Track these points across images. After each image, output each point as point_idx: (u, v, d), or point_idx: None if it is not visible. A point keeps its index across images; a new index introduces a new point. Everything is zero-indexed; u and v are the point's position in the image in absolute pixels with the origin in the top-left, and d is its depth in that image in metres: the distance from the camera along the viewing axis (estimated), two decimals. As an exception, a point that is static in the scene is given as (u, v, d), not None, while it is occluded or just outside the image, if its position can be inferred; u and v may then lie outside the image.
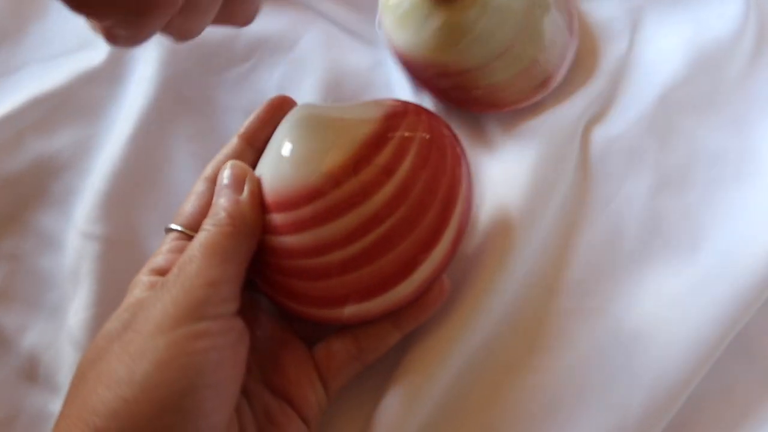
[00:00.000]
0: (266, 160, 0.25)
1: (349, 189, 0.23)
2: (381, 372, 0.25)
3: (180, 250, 0.24)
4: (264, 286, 0.25)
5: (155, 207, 0.30)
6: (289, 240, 0.24)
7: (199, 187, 0.26)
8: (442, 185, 0.24)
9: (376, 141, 0.24)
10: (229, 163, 0.25)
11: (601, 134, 0.29)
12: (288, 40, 0.32)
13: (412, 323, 0.25)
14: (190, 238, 0.24)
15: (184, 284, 0.21)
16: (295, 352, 0.25)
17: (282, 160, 0.24)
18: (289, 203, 0.23)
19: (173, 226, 0.25)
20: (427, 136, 0.25)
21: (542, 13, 0.28)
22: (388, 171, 0.23)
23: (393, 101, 0.26)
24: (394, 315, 0.24)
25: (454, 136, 0.27)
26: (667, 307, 0.25)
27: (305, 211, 0.23)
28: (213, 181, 0.25)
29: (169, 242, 0.25)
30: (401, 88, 0.31)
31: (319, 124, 0.24)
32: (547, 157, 0.28)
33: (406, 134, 0.24)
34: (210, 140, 0.30)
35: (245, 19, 0.23)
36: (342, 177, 0.23)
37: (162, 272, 0.24)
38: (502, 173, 0.28)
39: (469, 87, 0.28)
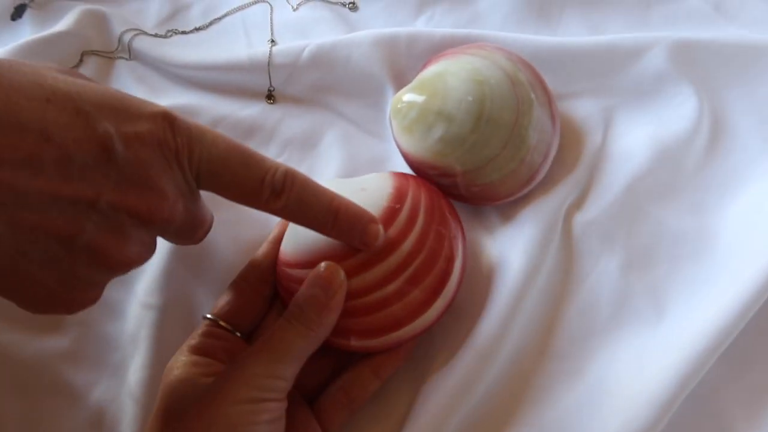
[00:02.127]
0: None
1: (365, 254, 0.29)
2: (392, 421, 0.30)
3: (213, 336, 0.28)
4: None
5: (203, 283, 0.34)
6: None
7: (234, 285, 0.31)
8: (442, 251, 0.30)
9: (390, 212, 0.30)
10: (328, 264, 0.28)
11: (579, 219, 0.34)
12: (313, 138, 0.38)
13: (389, 370, 0.30)
14: (221, 326, 0.29)
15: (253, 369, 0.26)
16: (302, 411, 0.29)
17: None
18: (316, 262, 0.29)
19: (208, 315, 0.30)
20: (429, 206, 0.31)
21: (528, 122, 0.33)
22: (402, 237, 0.29)
23: (395, 175, 0.32)
24: (374, 365, 0.30)
25: (449, 202, 0.32)
26: (633, 368, 0.30)
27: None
28: (245, 279, 0.30)
29: (203, 327, 0.29)
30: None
31: (346, 190, 0.29)
32: (536, 240, 0.32)
33: (413, 203, 0.30)
34: (248, 227, 0.35)
35: (192, 243, 0.29)
36: (352, 251, 0.29)
37: (197, 352, 0.28)
38: (500, 254, 0.33)
39: (467, 185, 0.33)
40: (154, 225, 0.24)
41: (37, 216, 0.21)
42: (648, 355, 0.30)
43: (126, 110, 0.23)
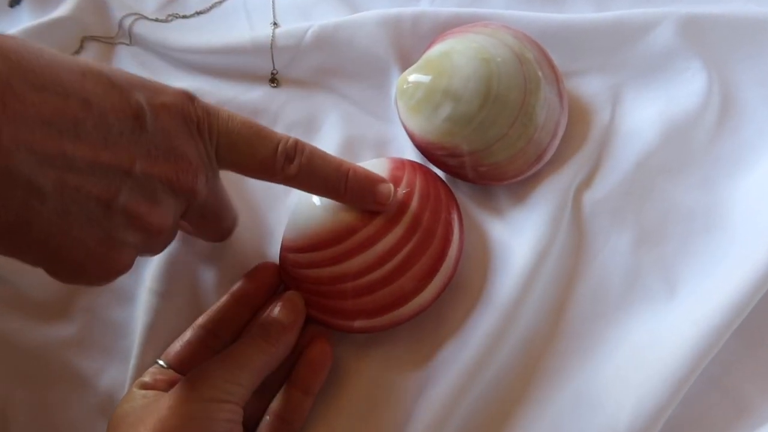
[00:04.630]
0: (299, 209, 0.32)
1: (362, 234, 0.30)
2: (403, 402, 0.30)
3: (162, 374, 0.30)
4: None
5: (206, 271, 0.34)
6: (316, 272, 0.30)
7: (188, 333, 0.31)
8: (437, 231, 0.30)
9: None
10: (291, 293, 0.31)
11: (589, 197, 0.33)
12: (318, 120, 0.38)
13: (317, 385, 0.30)
14: (167, 371, 0.30)
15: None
16: None
17: (313, 208, 0.31)
18: (316, 245, 0.30)
19: (160, 361, 0.30)
20: (424, 190, 0.31)
21: (536, 100, 0.32)
22: (395, 220, 0.30)
23: (391, 160, 0.32)
24: (301, 384, 0.30)
25: (443, 182, 0.33)
26: (646, 346, 0.30)
27: (328, 252, 0.30)
28: (204, 328, 0.31)
29: (154, 370, 0.30)
30: (414, 158, 0.36)
31: None
32: (545, 220, 0.32)
33: (406, 190, 0.31)
34: (249, 220, 0.35)
35: (219, 237, 0.31)
36: (357, 226, 0.30)
37: (146, 387, 0.29)
38: (509, 234, 0.33)
39: (474, 165, 0.33)
40: (181, 192, 0.26)
41: (79, 178, 0.23)
42: (660, 331, 0.30)
43: (152, 86, 0.26)
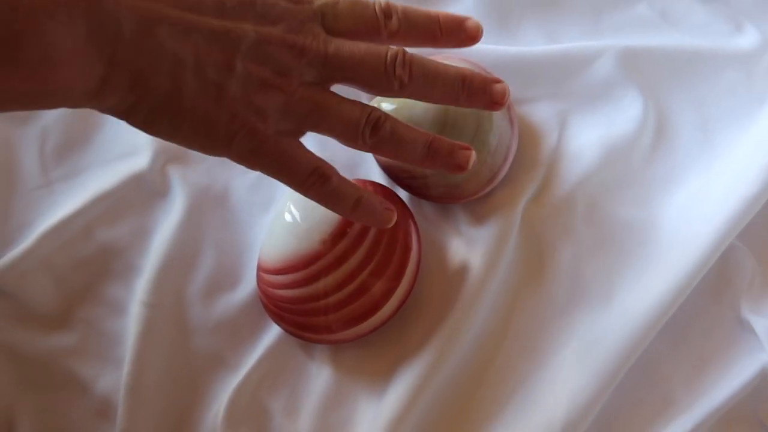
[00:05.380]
0: (274, 230, 0.35)
1: (331, 256, 0.33)
2: (371, 399, 0.34)
3: None
4: (275, 319, 0.36)
5: (194, 283, 0.37)
6: (289, 292, 0.34)
7: None
8: (396, 247, 0.34)
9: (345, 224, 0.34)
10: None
11: (536, 214, 0.37)
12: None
13: None
14: None
15: None
16: None
17: (283, 233, 0.34)
18: (290, 268, 0.34)
19: None
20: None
21: (488, 127, 0.36)
22: (358, 242, 0.33)
23: (357, 182, 0.36)
24: None
25: (401, 200, 0.36)
26: (585, 346, 0.33)
27: (300, 274, 0.33)
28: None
29: None
30: (381, 180, 0.39)
31: (307, 206, 0.34)
32: (498, 234, 0.36)
33: None
34: (235, 231, 0.39)
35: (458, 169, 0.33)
36: (324, 250, 0.33)
37: None
38: (466, 248, 0.36)
39: (433, 186, 0.36)
40: (297, 52, 0.29)
41: (206, 46, 0.27)
42: (597, 333, 0.34)
43: None
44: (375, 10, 0.31)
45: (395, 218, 0.32)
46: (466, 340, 0.35)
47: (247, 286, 0.38)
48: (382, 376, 0.34)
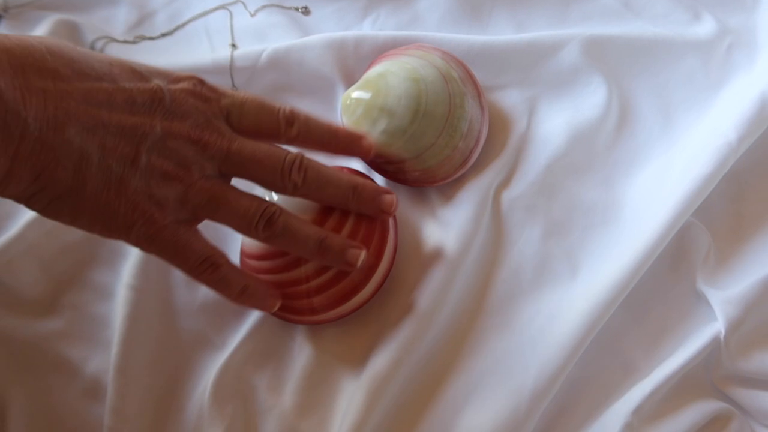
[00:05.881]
0: None
1: None
2: (351, 376, 0.36)
3: None
4: None
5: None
6: (272, 277, 0.35)
7: None
8: (375, 231, 0.35)
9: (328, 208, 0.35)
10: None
11: (506, 195, 0.39)
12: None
13: None
14: None
15: None
16: None
17: None
18: (272, 254, 0.35)
19: None
20: None
21: (460, 114, 0.38)
22: (338, 227, 0.35)
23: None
24: None
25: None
26: (550, 319, 0.35)
27: (282, 261, 0.35)
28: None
29: None
30: (357, 167, 0.41)
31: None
32: (470, 215, 0.37)
33: None
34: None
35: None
36: None
37: None
38: (440, 230, 0.38)
39: (408, 171, 0.38)
40: (201, 146, 0.31)
41: (114, 140, 0.29)
42: (562, 307, 0.36)
43: (167, 73, 0.32)
44: (278, 116, 0.33)
45: (278, 304, 0.35)
46: (441, 317, 0.36)
47: (230, 269, 0.39)
48: (361, 353, 0.36)
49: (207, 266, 0.32)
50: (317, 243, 0.33)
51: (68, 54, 0.29)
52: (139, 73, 0.31)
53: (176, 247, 0.32)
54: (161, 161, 0.30)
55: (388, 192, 0.35)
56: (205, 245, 0.33)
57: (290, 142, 0.34)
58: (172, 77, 0.32)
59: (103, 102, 0.29)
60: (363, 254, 0.34)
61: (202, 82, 0.33)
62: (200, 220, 0.33)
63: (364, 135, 0.36)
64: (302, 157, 0.33)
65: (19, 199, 0.29)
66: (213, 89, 0.33)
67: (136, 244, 0.31)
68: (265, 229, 0.32)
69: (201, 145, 0.31)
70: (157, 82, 0.31)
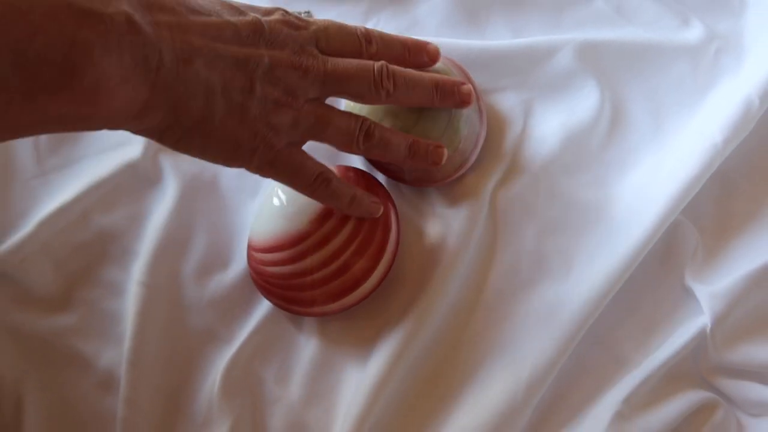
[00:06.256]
0: (263, 213, 0.38)
1: (317, 236, 0.36)
2: (355, 366, 0.37)
3: None
4: (265, 294, 0.38)
5: (187, 264, 0.40)
6: (278, 269, 0.36)
7: None
8: (378, 228, 0.37)
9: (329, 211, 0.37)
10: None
11: (503, 195, 0.40)
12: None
13: None
14: None
15: None
16: None
17: (272, 215, 0.37)
18: (278, 247, 0.36)
19: None
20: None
21: (459, 116, 0.39)
22: (342, 222, 0.37)
23: (338, 168, 0.39)
24: None
25: (381, 185, 0.39)
26: (546, 314, 0.37)
27: (288, 252, 0.36)
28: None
29: None
30: (360, 166, 0.42)
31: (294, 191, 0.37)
32: (468, 215, 0.39)
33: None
34: (228, 214, 0.41)
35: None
36: (312, 230, 0.36)
37: None
38: (440, 227, 0.39)
39: (411, 170, 0.39)
40: (305, 71, 0.33)
41: (231, 73, 0.31)
42: (557, 302, 0.37)
43: (260, 8, 0.34)
44: (358, 35, 0.36)
45: (381, 210, 0.38)
46: (441, 311, 0.38)
47: (238, 265, 0.40)
48: (365, 345, 0.38)
49: (321, 181, 0.35)
50: (407, 147, 0.37)
51: None
52: (236, 8, 0.33)
53: (293, 168, 0.34)
54: (272, 89, 0.32)
55: (463, 83, 0.39)
56: (316, 163, 0.35)
57: (371, 57, 0.36)
58: (262, 10, 0.34)
59: (216, 35, 0.31)
60: (446, 152, 0.38)
61: (288, 12, 0.35)
62: (305, 141, 0.35)
63: (428, 42, 0.39)
64: (388, 66, 0.36)
65: (153, 134, 0.31)
66: (299, 18, 0.35)
67: (257, 169, 0.34)
68: (365, 141, 0.36)
69: (302, 71, 0.33)
70: (253, 14, 0.33)
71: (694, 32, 0.44)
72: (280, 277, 0.37)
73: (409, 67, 0.38)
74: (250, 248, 0.39)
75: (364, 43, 0.36)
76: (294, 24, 0.34)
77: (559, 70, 0.43)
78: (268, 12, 0.34)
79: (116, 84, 0.27)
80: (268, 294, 0.38)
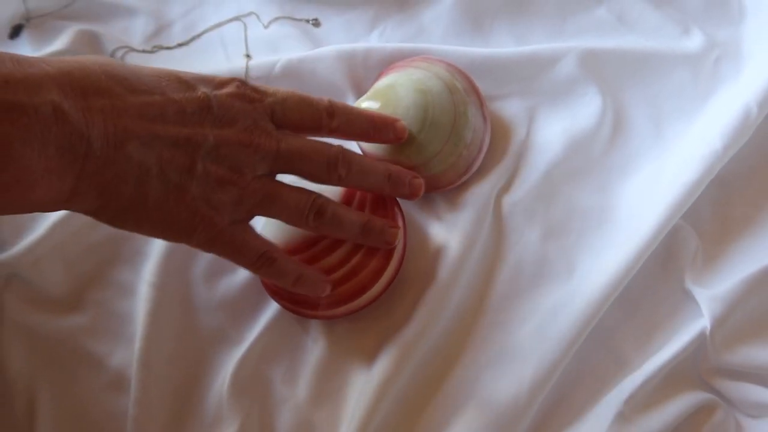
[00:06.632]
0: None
1: (326, 242, 0.37)
2: (362, 368, 0.38)
3: None
4: (274, 297, 0.39)
5: (196, 265, 0.41)
6: None
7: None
8: None
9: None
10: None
11: (507, 200, 0.41)
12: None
13: None
14: None
15: None
16: None
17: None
18: (292, 251, 0.37)
19: None
20: (373, 201, 0.39)
21: (464, 123, 0.40)
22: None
23: None
24: None
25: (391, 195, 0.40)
26: (549, 316, 0.38)
27: (297, 257, 0.37)
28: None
29: None
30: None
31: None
32: (473, 219, 0.40)
33: (360, 196, 0.39)
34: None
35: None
36: (321, 236, 0.37)
37: None
38: (445, 232, 0.40)
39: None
40: (253, 149, 0.32)
41: (170, 152, 0.30)
42: (559, 305, 0.38)
43: (211, 79, 0.33)
44: (320, 109, 0.36)
45: (329, 288, 0.37)
46: (446, 314, 0.39)
47: (246, 267, 0.41)
48: (371, 347, 0.38)
49: (264, 260, 0.35)
50: (361, 227, 0.36)
51: (120, 72, 0.30)
52: (186, 82, 0.32)
53: (235, 247, 0.34)
54: (216, 168, 0.32)
55: (416, 177, 0.38)
56: (261, 241, 0.35)
57: (331, 133, 0.36)
58: (215, 82, 0.33)
59: (156, 116, 0.30)
60: (400, 233, 0.38)
61: (244, 83, 0.34)
62: (253, 217, 0.35)
63: (396, 119, 0.38)
64: (344, 151, 0.36)
65: (85, 213, 0.31)
66: (256, 89, 0.34)
67: (197, 246, 0.34)
68: (316, 219, 0.35)
69: (252, 148, 0.33)
70: (203, 89, 0.32)
71: (694, 41, 0.45)
72: None
73: (374, 142, 0.38)
74: None
75: (325, 117, 0.36)
76: (248, 97, 0.33)
77: (562, 77, 0.44)
78: (222, 84, 0.33)
79: (39, 176, 0.27)
80: (276, 297, 0.39)
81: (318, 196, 0.35)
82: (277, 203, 0.34)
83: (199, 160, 0.31)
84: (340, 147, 0.36)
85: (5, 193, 0.27)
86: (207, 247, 0.34)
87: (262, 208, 0.34)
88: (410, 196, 0.38)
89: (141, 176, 0.30)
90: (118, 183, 0.30)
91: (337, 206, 0.36)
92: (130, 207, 0.31)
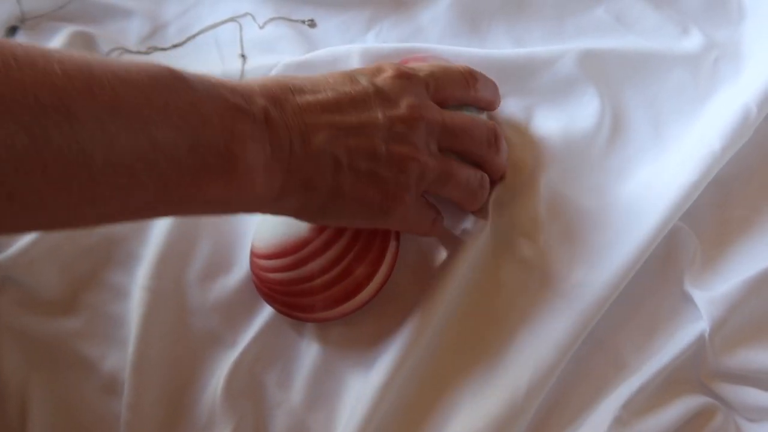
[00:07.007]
0: (265, 220, 0.39)
1: (317, 243, 0.36)
2: (356, 372, 0.37)
3: None
4: (268, 300, 0.39)
5: (191, 269, 0.40)
6: (280, 276, 0.37)
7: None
8: (377, 235, 0.37)
9: None
10: None
11: (506, 202, 0.41)
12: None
13: None
14: None
15: None
16: None
17: (275, 221, 0.38)
18: (279, 254, 0.37)
19: None
20: None
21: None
22: (341, 230, 0.37)
23: None
24: None
25: None
26: (545, 319, 0.37)
27: (289, 259, 0.36)
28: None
29: None
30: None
31: None
32: (469, 221, 0.40)
33: None
34: (225, 222, 0.42)
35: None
36: (312, 237, 0.37)
37: None
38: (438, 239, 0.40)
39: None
40: (420, 123, 0.34)
41: (353, 140, 0.32)
42: (557, 307, 0.38)
43: (367, 70, 0.35)
44: (465, 75, 0.38)
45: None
46: (441, 316, 0.38)
47: (241, 271, 0.41)
48: (366, 350, 0.38)
49: (438, 224, 0.38)
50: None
51: (291, 80, 0.33)
52: (348, 75, 0.34)
53: (420, 220, 0.36)
54: (395, 146, 0.33)
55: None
56: (432, 207, 0.37)
57: (476, 101, 0.38)
58: (372, 70, 0.35)
59: (334, 109, 0.32)
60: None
61: (394, 65, 0.35)
62: (427, 193, 0.37)
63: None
64: (495, 125, 0.38)
65: (291, 212, 0.33)
66: (408, 68, 0.36)
67: (391, 226, 0.36)
68: (482, 196, 0.38)
69: (423, 122, 0.34)
70: (366, 78, 0.34)
71: (693, 41, 0.45)
72: (282, 284, 0.37)
73: (492, 110, 0.41)
74: (253, 255, 0.39)
75: (472, 83, 0.38)
76: (406, 74, 0.35)
77: (560, 78, 0.44)
78: (378, 70, 0.35)
79: (260, 172, 0.30)
80: (270, 300, 0.39)
81: (483, 173, 0.38)
82: (451, 180, 0.36)
83: (379, 143, 0.33)
84: (493, 123, 0.37)
85: (237, 185, 0.29)
86: (399, 224, 0.36)
87: (439, 185, 0.36)
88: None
89: (334, 167, 0.32)
90: (317, 177, 0.31)
91: (485, 175, 0.38)
92: (330, 199, 0.32)
